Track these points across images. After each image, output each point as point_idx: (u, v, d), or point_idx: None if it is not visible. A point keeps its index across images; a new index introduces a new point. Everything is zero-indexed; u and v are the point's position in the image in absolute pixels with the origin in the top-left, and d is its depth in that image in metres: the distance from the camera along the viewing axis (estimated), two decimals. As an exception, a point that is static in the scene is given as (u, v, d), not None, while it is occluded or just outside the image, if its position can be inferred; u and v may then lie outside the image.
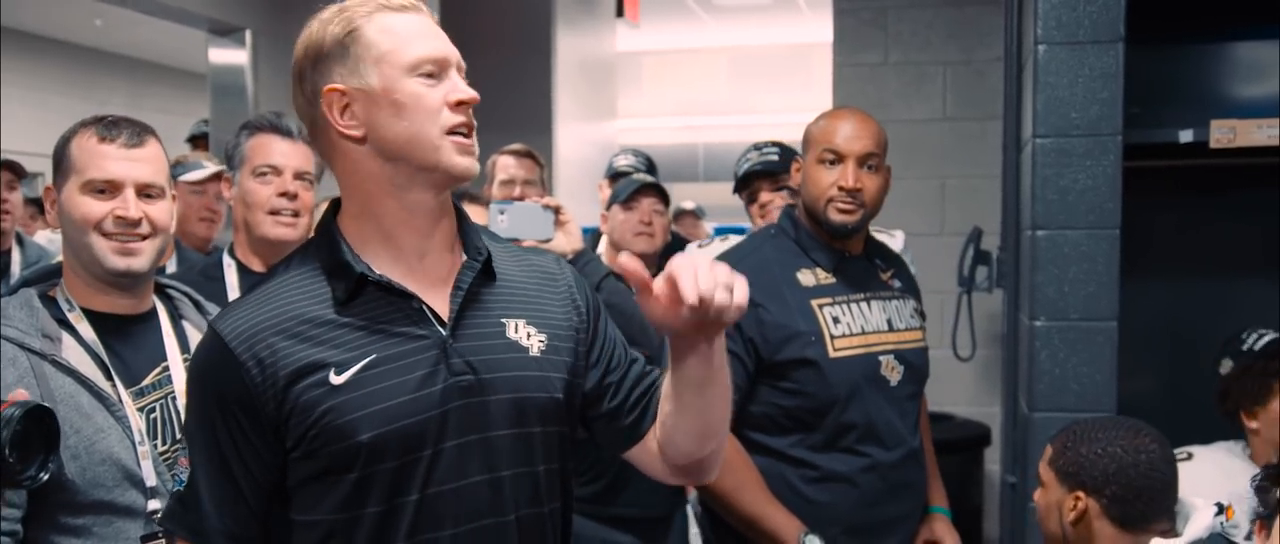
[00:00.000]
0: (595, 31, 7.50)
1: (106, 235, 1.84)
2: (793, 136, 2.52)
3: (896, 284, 2.55)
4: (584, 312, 1.64)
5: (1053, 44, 2.49)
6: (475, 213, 2.77)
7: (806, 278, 2.42)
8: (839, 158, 2.39)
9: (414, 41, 1.47)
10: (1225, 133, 2.58)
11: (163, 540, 1.77)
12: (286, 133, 2.43)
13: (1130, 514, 2.06)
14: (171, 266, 2.99)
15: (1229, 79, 3.04)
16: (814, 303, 2.39)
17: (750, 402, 2.37)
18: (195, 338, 1.96)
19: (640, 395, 1.64)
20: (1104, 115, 2.48)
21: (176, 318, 1.98)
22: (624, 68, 8.94)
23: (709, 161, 10.63)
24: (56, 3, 8.56)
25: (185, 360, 1.92)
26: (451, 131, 1.46)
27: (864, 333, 2.40)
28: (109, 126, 1.87)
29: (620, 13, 7.90)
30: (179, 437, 1.86)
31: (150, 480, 1.80)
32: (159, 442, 1.84)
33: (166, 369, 1.90)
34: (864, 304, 2.44)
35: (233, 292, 2.37)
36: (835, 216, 2.40)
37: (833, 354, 2.35)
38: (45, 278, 1.92)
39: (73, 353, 1.82)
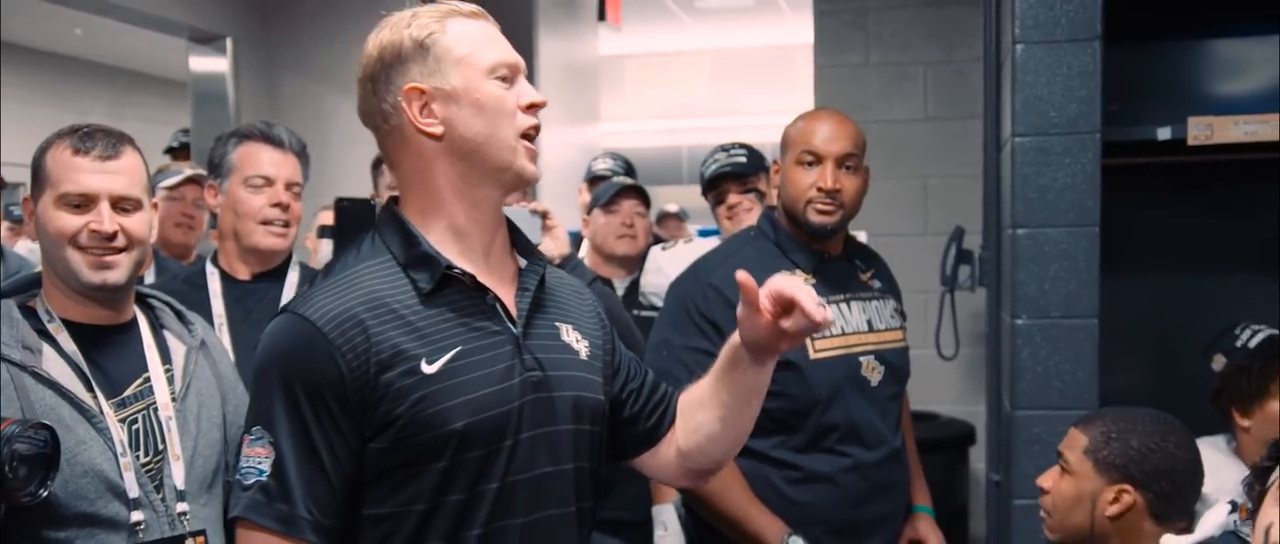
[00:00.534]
0: (577, 35, 7.50)
1: (82, 249, 1.83)
2: (776, 139, 2.52)
3: (876, 284, 2.55)
4: (607, 325, 1.75)
5: (1030, 43, 2.50)
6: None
7: (787, 279, 2.43)
8: (817, 159, 2.39)
9: (489, 47, 1.55)
10: (1203, 130, 2.59)
11: None
12: (277, 143, 2.42)
13: (1169, 510, 2.06)
14: (150, 276, 2.98)
15: (1206, 76, 3.05)
16: (795, 304, 2.39)
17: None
18: (177, 348, 1.96)
19: (656, 403, 1.75)
20: (1082, 113, 2.49)
21: (158, 328, 1.97)
22: (607, 71, 8.94)
23: (692, 164, 10.60)
24: (37, 12, 8.52)
25: (167, 371, 1.92)
26: (524, 136, 1.55)
27: (844, 334, 2.41)
28: (84, 138, 1.85)
29: (602, 16, 7.90)
30: (160, 447, 1.85)
31: (133, 492, 1.79)
32: (141, 453, 1.83)
33: (148, 380, 1.89)
34: (844, 305, 2.45)
35: (216, 300, 2.36)
36: (815, 218, 2.40)
37: (813, 355, 2.35)
38: (24, 288, 1.91)
39: (53, 364, 1.81)
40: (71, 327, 1.86)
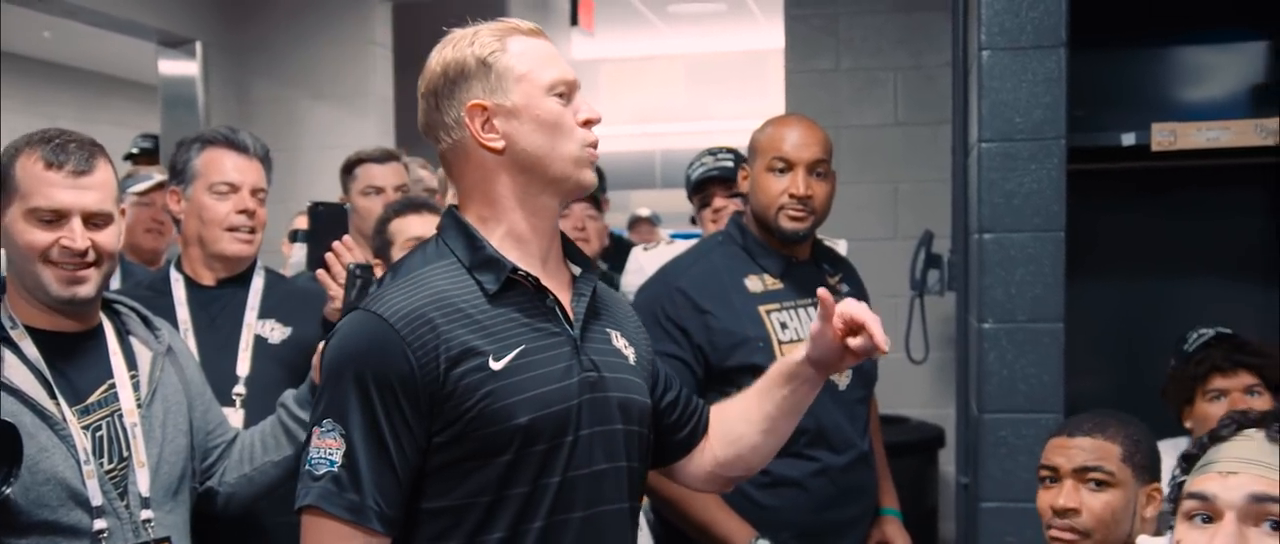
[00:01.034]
0: (550, 40, 7.49)
1: (52, 264, 1.81)
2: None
3: (844, 289, 2.57)
4: (647, 336, 1.83)
5: (996, 49, 2.52)
6: (429, 223, 2.77)
7: (754, 284, 2.44)
8: (789, 166, 2.40)
9: (549, 65, 1.62)
10: (1166, 136, 2.62)
11: None
12: (242, 148, 2.40)
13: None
14: (116, 282, 2.96)
15: (1170, 83, 3.09)
16: (762, 309, 2.41)
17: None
18: (143, 354, 1.94)
19: (690, 414, 1.83)
20: (1047, 119, 2.51)
21: (124, 334, 1.95)
22: (580, 76, 8.90)
23: (666, 168, 10.64)
24: (5, 15, 8.44)
25: (132, 377, 1.90)
26: (583, 147, 1.62)
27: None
28: (56, 150, 1.82)
29: (575, 21, 7.91)
30: (125, 454, 1.84)
31: (96, 500, 1.78)
32: (105, 460, 1.82)
33: (113, 386, 1.88)
34: (811, 309, 2.46)
35: (180, 307, 2.34)
36: (786, 224, 2.41)
37: (781, 359, 2.35)
38: None
39: (15, 372, 1.79)
40: (35, 333, 1.84)
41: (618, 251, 4.24)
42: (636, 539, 1.72)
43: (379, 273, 2.64)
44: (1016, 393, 2.55)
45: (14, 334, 1.83)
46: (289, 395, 2.08)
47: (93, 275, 1.84)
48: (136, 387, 1.90)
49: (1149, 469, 2.09)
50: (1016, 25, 2.51)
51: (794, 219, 2.41)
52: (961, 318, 2.99)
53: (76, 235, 1.81)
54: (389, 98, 5.75)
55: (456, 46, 1.63)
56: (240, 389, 2.31)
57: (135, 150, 5.49)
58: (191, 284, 2.39)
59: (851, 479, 2.46)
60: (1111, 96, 3.01)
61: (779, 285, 2.45)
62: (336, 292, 2.25)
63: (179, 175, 2.39)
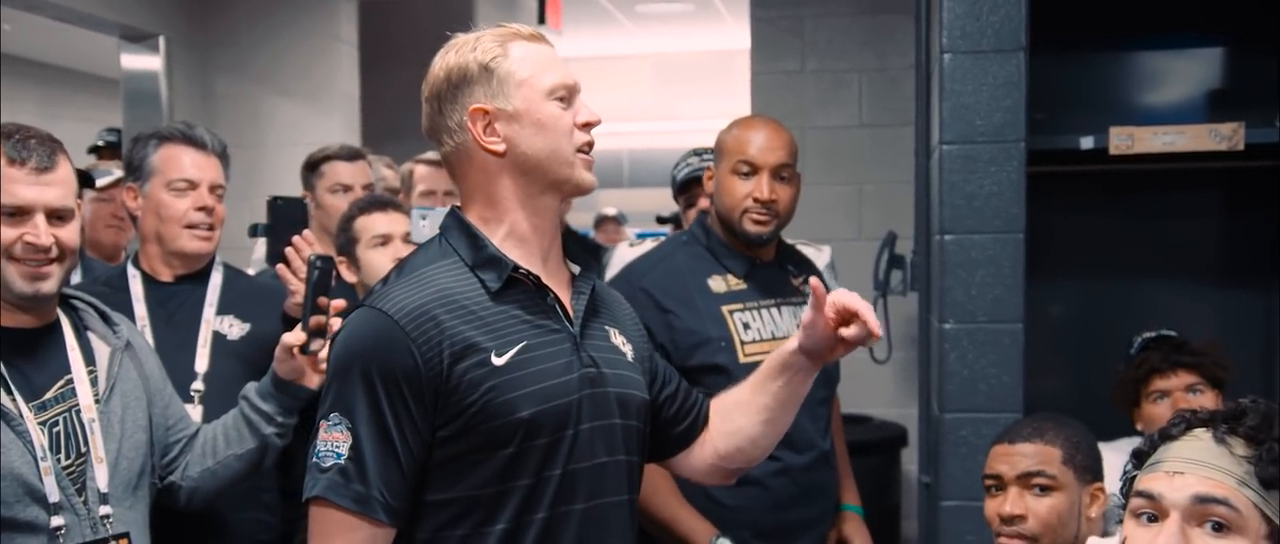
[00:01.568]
0: (551, 45, 7.47)
1: (15, 260, 1.81)
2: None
3: (807, 290, 2.58)
4: (645, 334, 1.87)
5: (957, 53, 2.54)
6: (396, 220, 2.77)
7: (717, 284, 2.45)
8: (753, 169, 2.41)
9: (549, 69, 1.67)
10: (1124, 140, 2.65)
11: None
12: (200, 145, 2.38)
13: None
14: (77, 278, 2.93)
15: (1128, 87, 3.12)
16: (724, 309, 2.42)
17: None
18: (101, 349, 1.93)
19: (689, 408, 1.87)
20: (1007, 122, 2.53)
21: (81, 329, 1.94)
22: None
23: (634, 168, 10.65)
24: (-38, 8, 8.33)
25: (90, 372, 1.89)
26: (580, 150, 1.67)
27: (774, 338, 2.43)
28: (18, 147, 1.82)
29: (542, 20, 7.89)
30: (83, 450, 1.83)
31: (53, 496, 1.77)
32: (62, 456, 1.81)
33: (70, 382, 1.87)
34: (774, 310, 2.47)
35: (138, 303, 2.33)
36: (750, 228, 2.43)
37: (743, 359, 2.37)
38: None
39: (-30, 368, 1.78)
40: (-10, 329, 1.83)
41: (585, 251, 4.24)
42: (635, 530, 1.75)
43: (343, 270, 2.64)
44: (977, 393, 2.57)
45: (-32, 330, 1.81)
46: (251, 388, 2.08)
47: (55, 271, 1.85)
48: (94, 382, 1.89)
49: (1090, 469, 2.13)
50: (977, 29, 2.54)
51: (757, 223, 2.42)
52: (924, 318, 3.02)
53: (41, 231, 1.81)
54: (355, 95, 5.72)
55: (459, 52, 1.66)
56: (199, 385, 2.30)
57: (100, 143, 5.43)
58: (149, 280, 2.38)
59: (812, 479, 2.47)
60: (1071, 100, 3.05)
61: (742, 286, 2.46)
62: (297, 286, 2.25)
63: (135, 172, 2.38)
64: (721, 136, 2.51)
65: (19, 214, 1.81)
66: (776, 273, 2.54)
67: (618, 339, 1.76)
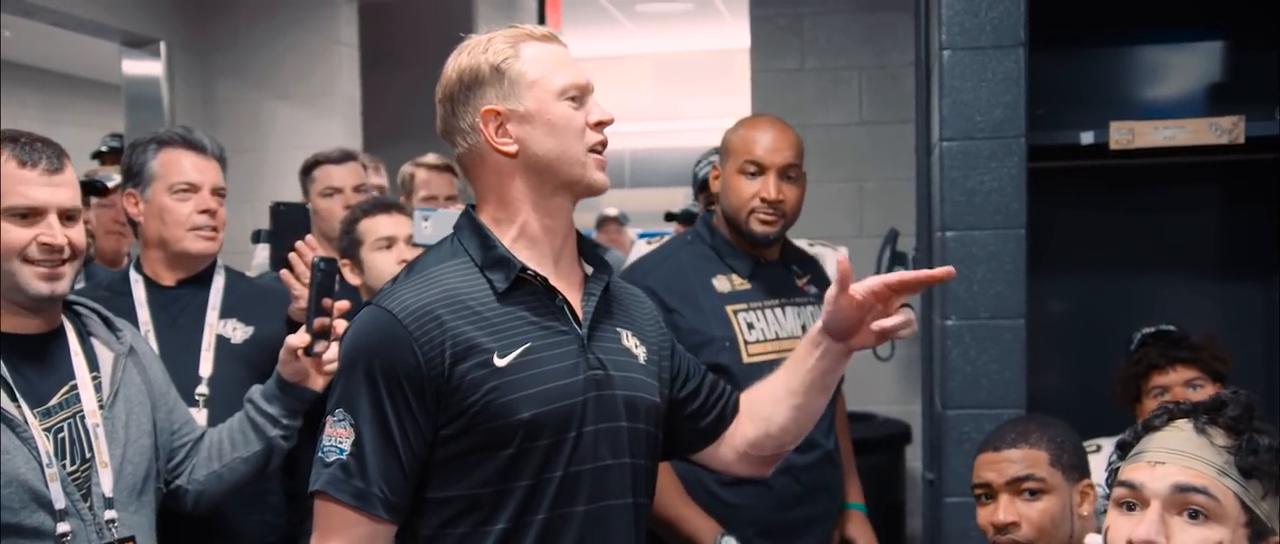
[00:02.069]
0: (564, 45, 7.47)
1: (31, 262, 1.82)
2: (717, 142, 2.55)
3: (812, 290, 2.59)
4: (667, 333, 1.87)
5: (956, 49, 2.55)
6: (399, 223, 2.77)
7: (722, 284, 2.45)
8: (760, 169, 2.42)
9: (561, 69, 1.67)
10: (1124, 134, 2.65)
11: None
12: (199, 148, 2.39)
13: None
14: (80, 283, 2.94)
15: (1128, 82, 3.13)
16: (729, 308, 2.42)
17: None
18: (105, 355, 1.94)
19: (716, 400, 1.86)
20: (1007, 118, 2.54)
21: (85, 335, 1.95)
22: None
23: (635, 168, 10.65)
24: (-37, 15, 8.33)
25: (94, 378, 1.90)
26: (593, 150, 1.67)
27: (778, 338, 2.44)
28: (27, 150, 1.84)
29: (542, 20, 7.90)
30: (88, 455, 1.84)
31: (59, 502, 1.77)
32: (67, 461, 1.82)
33: (74, 388, 1.87)
34: (778, 310, 2.48)
35: (141, 308, 2.33)
36: (758, 228, 2.43)
37: (747, 359, 2.38)
38: None
39: (-25, 375, 1.78)
40: (-6, 335, 1.84)
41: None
42: (642, 534, 1.75)
43: (347, 273, 2.64)
44: (980, 389, 2.58)
45: (-27, 337, 1.82)
46: (256, 391, 2.09)
47: (68, 271, 1.87)
48: (98, 388, 1.90)
49: (1077, 467, 2.12)
50: (976, 25, 2.54)
51: (764, 223, 2.43)
52: (926, 315, 3.02)
53: (56, 231, 1.83)
54: (355, 98, 5.73)
55: (471, 53, 1.67)
56: (203, 389, 2.31)
57: (104, 148, 5.45)
58: (152, 285, 2.38)
59: (816, 477, 2.48)
60: (1071, 95, 3.05)
61: (747, 286, 2.47)
62: (300, 291, 2.26)
63: (135, 177, 2.38)
64: (727, 136, 2.51)
65: (32, 215, 1.83)
66: (781, 273, 2.54)
67: (630, 341, 1.75)
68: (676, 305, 2.38)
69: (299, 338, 2.03)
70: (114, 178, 3.59)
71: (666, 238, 3.19)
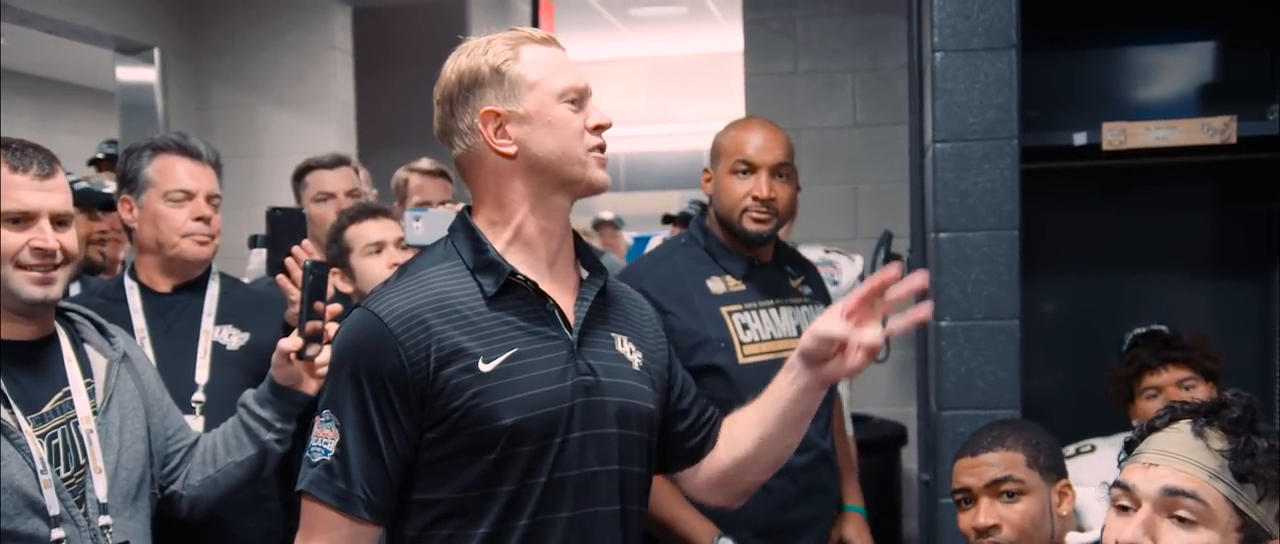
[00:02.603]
0: (563, 48, 7.48)
1: (23, 267, 1.82)
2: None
3: (806, 291, 2.59)
4: (666, 341, 1.86)
5: (949, 51, 2.55)
6: (387, 227, 2.78)
7: (716, 285, 2.46)
8: (751, 168, 2.43)
9: (560, 72, 1.67)
10: (1116, 135, 2.66)
11: None
12: (195, 155, 2.39)
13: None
14: (75, 290, 2.94)
15: (1121, 83, 3.13)
16: (724, 310, 2.43)
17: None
18: (98, 361, 1.94)
19: (702, 423, 1.85)
20: (1000, 120, 2.54)
21: (78, 341, 1.95)
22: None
23: (630, 172, 10.66)
24: (-43, 23, 8.32)
25: (87, 384, 1.90)
26: (592, 151, 1.67)
27: (773, 339, 2.44)
28: (18, 155, 1.84)
29: (536, 24, 7.91)
30: (82, 461, 1.83)
31: (53, 509, 1.77)
32: (61, 468, 1.81)
33: (68, 394, 1.87)
34: (773, 310, 2.48)
35: (136, 315, 2.33)
36: (750, 226, 2.44)
37: (742, 360, 2.38)
38: None
39: (-32, 381, 1.78)
40: (-13, 342, 1.84)
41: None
42: (634, 541, 1.74)
43: (337, 281, 2.64)
44: (974, 390, 2.58)
45: (-34, 344, 1.82)
46: (249, 395, 2.09)
47: (61, 276, 1.87)
48: (92, 394, 1.90)
49: (1054, 468, 2.14)
50: (968, 27, 2.54)
51: (757, 221, 2.43)
52: (920, 316, 3.02)
53: (48, 236, 1.84)
54: (350, 103, 5.73)
55: (471, 55, 1.67)
56: (199, 396, 2.31)
57: (100, 155, 5.45)
58: (147, 292, 2.38)
59: (812, 478, 2.48)
60: (1063, 97, 3.05)
61: (741, 287, 2.47)
62: (297, 296, 2.26)
63: (130, 183, 2.37)
64: (718, 139, 2.52)
65: (24, 220, 1.83)
66: (775, 274, 2.55)
67: (624, 347, 1.74)
68: (671, 307, 2.38)
69: (291, 341, 2.03)
70: (107, 185, 3.59)
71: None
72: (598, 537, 1.66)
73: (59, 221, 1.87)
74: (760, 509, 2.39)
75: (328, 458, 1.59)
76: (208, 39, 5.67)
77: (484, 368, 1.58)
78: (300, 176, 3.39)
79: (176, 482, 2.05)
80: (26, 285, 1.82)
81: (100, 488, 1.84)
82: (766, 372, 2.38)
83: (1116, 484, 1.53)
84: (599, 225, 8.00)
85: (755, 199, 2.42)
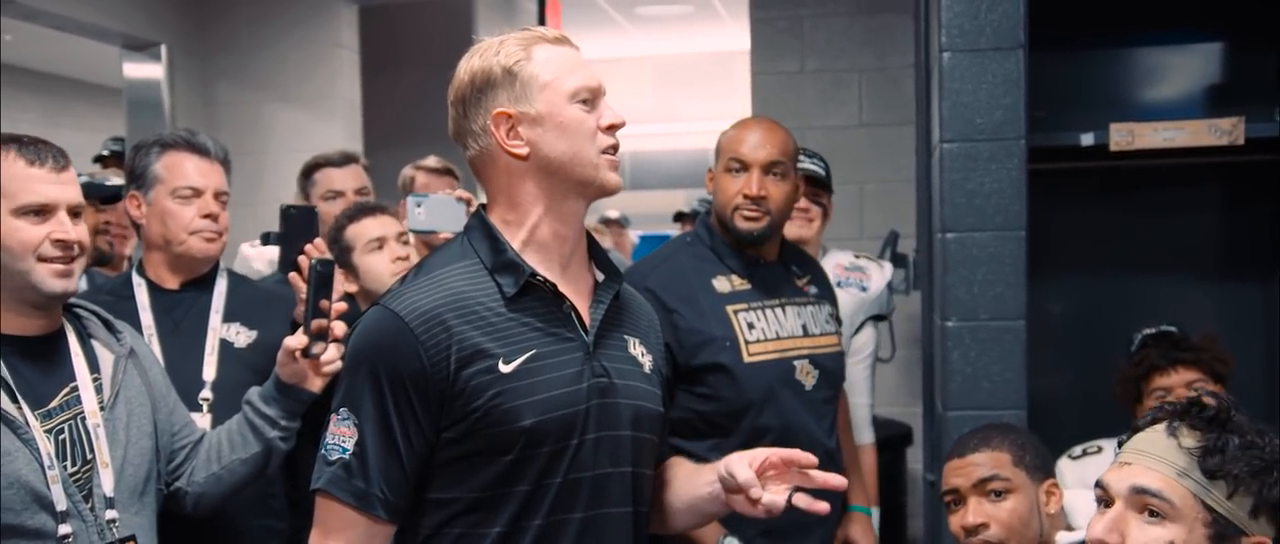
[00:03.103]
0: (576, 47, 7.47)
1: (45, 260, 1.83)
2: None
3: (812, 290, 2.59)
4: (665, 347, 1.86)
5: (956, 51, 2.55)
6: (386, 223, 2.78)
7: (722, 284, 2.46)
8: (744, 166, 2.43)
9: (573, 72, 1.66)
10: (1123, 136, 2.66)
11: None
12: (203, 151, 2.39)
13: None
14: (83, 285, 2.94)
15: (1128, 83, 3.13)
16: (729, 309, 2.43)
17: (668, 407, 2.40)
18: (105, 356, 1.94)
19: (664, 439, 1.85)
20: (1007, 120, 2.54)
21: (85, 337, 1.95)
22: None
23: (635, 170, 10.65)
24: (-36, 19, 8.33)
25: (95, 380, 1.90)
26: (605, 152, 1.66)
27: (779, 338, 2.44)
28: (33, 150, 1.85)
29: (542, 23, 7.90)
30: (89, 456, 1.84)
31: (61, 505, 1.78)
32: (68, 463, 1.82)
33: (75, 389, 1.87)
34: (779, 310, 2.48)
35: (144, 312, 2.33)
36: (741, 224, 2.44)
37: (747, 359, 2.38)
38: None
39: (-24, 376, 1.79)
40: (-5, 337, 1.84)
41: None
42: (643, 542, 1.75)
43: (341, 280, 2.64)
44: (980, 390, 2.58)
45: (-26, 338, 1.82)
46: (254, 392, 2.09)
47: (77, 268, 1.88)
48: (99, 389, 1.90)
49: (1041, 468, 2.18)
50: (976, 27, 2.54)
51: (748, 219, 2.43)
52: (927, 316, 3.02)
53: (68, 227, 1.85)
54: (356, 101, 5.73)
55: (483, 55, 1.67)
56: (207, 394, 2.31)
57: (105, 152, 5.45)
58: (154, 288, 2.38)
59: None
60: (1070, 97, 3.05)
61: (746, 286, 2.47)
62: None
63: (138, 180, 2.37)
64: (718, 139, 2.53)
65: (44, 213, 1.84)
66: (780, 272, 2.54)
67: (636, 350, 1.75)
68: (676, 306, 2.38)
69: (297, 339, 2.03)
70: (109, 180, 3.58)
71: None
72: (610, 538, 1.67)
73: (74, 214, 1.88)
74: (765, 508, 2.39)
75: (346, 456, 1.59)
76: (215, 36, 5.67)
77: (504, 369, 1.59)
78: (308, 174, 3.39)
79: (182, 478, 2.05)
80: (49, 278, 1.83)
81: (107, 482, 1.85)
82: (771, 371, 2.41)
83: (1097, 483, 1.56)
84: (606, 224, 8.01)
85: (746, 197, 2.42)
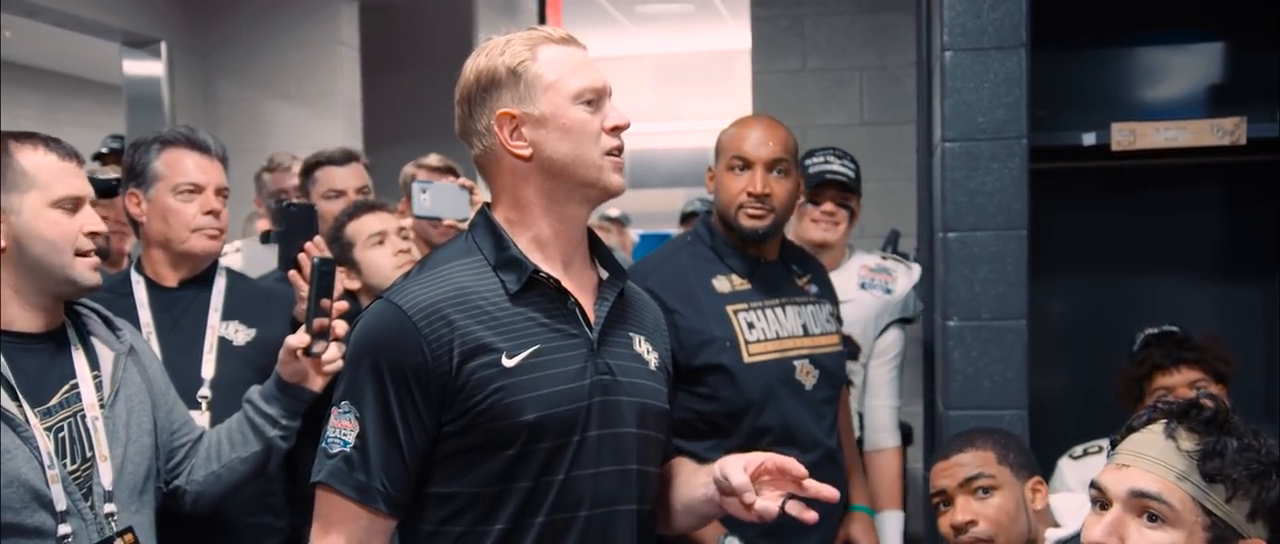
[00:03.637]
0: (583, 47, 7.47)
1: (82, 253, 1.84)
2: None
3: (813, 290, 2.58)
4: (669, 346, 1.86)
5: (958, 50, 2.55)
6: (385, 218, 2.78)
7: (722, 284, 2.45)
8: (747, 164, 2.43)
9: (577, 73, 1.66)
10: (1125, 135, 2.66)
11: None
12: (203, 148, 2.38)
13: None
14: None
15: (1130, 83, 3.13)
16: (729, 309, 2.42)
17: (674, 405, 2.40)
18: (105, 354, 1.94)
19: (668, 440, 1.85)
20: (1009, 119, 2.54)
21: (85, 335, 1.94)
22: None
23: (636, 169, 10.63)
24: (-36, 15, 8.32)
25: (95, 377, 1.90)
26: (608, 153, 1.66)
27: (779, 338, 2.44)
28: (57, 145, 1.85)
29: (543, 21, 7.90)
30: (88, 455, 1.83)
31: (60, 504, 1.77)
32: (68, 461, 1.81)
33: (75, 386, 1.87)
34: (779, 309, 2.47)
35: (143, 309, 2.33)
36: (745, 222, 2.43)
37: (747, 359, 2.37)
38: None
39: (-25, 373, 1.78)
40: (-5, 334, 1.84)
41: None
42: (650, 540, 1.75)
43: (343, 277, 2.64)
44: (981, 389, 2.58)
45: (-26, 336, 1.82)
46: (255, 391, 2.08)
47: (98, 260, 1.89)
48: (99, 387, 1.90)
49: (1025, 465, 2.22)
50: (978, 26, 2.54)
51: (753, 217, 2.43)
52: (928, 315, 3.02)
53: (97, 220, 1.85)
54: (356, 99, 5.73)
55: (489, 55, 1.67)
56: (206, 392, 2.30)
57: (104, 150, 5.45)
58: (153, 286, 2.37)
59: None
60: (1072, 97, 3.05)
61: (746, 286, 2.47)
62: (307, 292, 2.25)
63: (138, 177, 2.36)
64: (719, 137, 2.52)
65: (76, 206, 1.84)
66: (780, 272, 2.54)
67: (641, 347, 1.75)
68: (677, 306, 2.38)
69: (298, 338, 2.03)
70: (106, 172, 3.58)
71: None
72: (616, 536, 1.66)
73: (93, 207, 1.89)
74: (766, 508, 2.39)
75: (347, 449, 1.59)
76: (215, 33, 5.67)
77: (507, 363, 1.59)
78: (309, 171, 3.38)
79: (181, 476, 2.05)
80: (87, 272, 1.85)
81: (106, 477, 1.84)
82: (771, 371, 2.40)
83: (1092, 484, 1.55)
84: (607, 222, 8.01)
85: (749, 194, 2.41)
